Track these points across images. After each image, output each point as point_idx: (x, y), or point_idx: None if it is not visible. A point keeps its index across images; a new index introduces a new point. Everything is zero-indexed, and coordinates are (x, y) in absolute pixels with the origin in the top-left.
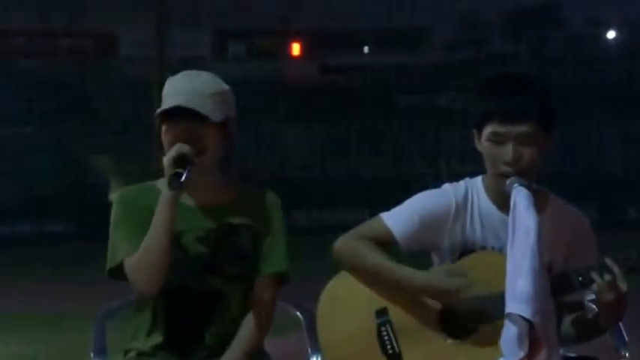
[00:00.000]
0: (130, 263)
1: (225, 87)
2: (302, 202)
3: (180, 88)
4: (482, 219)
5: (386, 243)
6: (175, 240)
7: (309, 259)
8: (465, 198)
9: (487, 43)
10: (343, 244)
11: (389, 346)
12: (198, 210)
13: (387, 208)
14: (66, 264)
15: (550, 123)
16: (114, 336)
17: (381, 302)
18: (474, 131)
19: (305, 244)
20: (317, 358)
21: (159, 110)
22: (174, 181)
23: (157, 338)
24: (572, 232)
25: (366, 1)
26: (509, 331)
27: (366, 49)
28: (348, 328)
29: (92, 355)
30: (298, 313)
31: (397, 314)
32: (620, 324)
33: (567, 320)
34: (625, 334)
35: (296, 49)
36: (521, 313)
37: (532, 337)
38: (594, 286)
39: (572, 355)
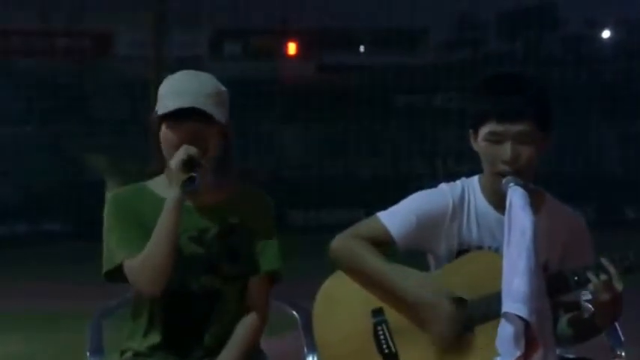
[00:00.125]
0: (133, 265)
1: (223, 88)
2: (299, 201)
3: (183, 89)
4: (479, 219)
5: (383, 243)
6: None
7: (305, 259)
8: (462, 198)
9: (484, 43)
10: (340, 243)
11: (385, 346)
12: (194, 210)
13: (384, 208)
14: (63, 263)
15: (547, 122)
16: (111, 335)
17: (377, 302)
18: (471, 131)
19: (302, 244)
20: (313, 357)
21: (165, 111)
22: (188, 185)
23: (154, 338)
24: (568, 231)
25: (363, 1)
26: (506, 331)
27: (362, 49)
28: (344, 328)
29: (88, 354)
30: (294, 313)
31: (393, 314)
32: (616, 324)
33: (564, 320)
34: (621, 334)
35: (292, 48)
36: (517, 313)
37: (528, 336)
38: (590, 286)
39: (569, 356)
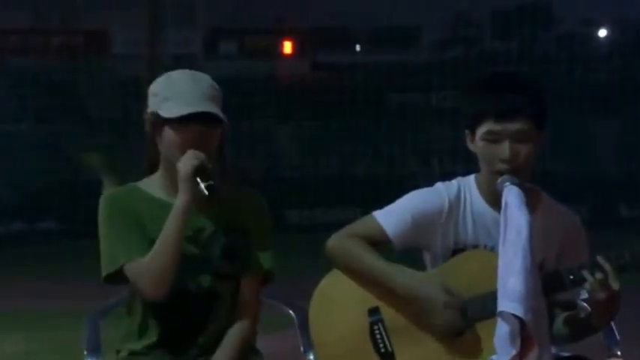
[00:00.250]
0: (136, 268)
1: (217, 86)
2: (294, 200)
3: (187, 90)
4: (475, 218)
5: (379, 242)
6: None
7: (301, 258)
8: (458, 197)
9: (478, 41)
10: (336, 242)
11: (381, 345)
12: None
13: (380, 207)
14: (59, 262)
15: (543, 120)
16: (108, 334)
17: (373, 301)
18: (467, 132)
19: (297, 243)
20: (310, 355)
21: (172, 115)
22: (210, 191)
23: (151, 338)
24: (563, 230)
25: (358, 0)
26: (502, 329)
27: (358, 48)
28: (340, 327)
29: (85, 353)
30: (291, 312)
31: (390, 313)
32: (612, 322)
33: (560, 319)
34: (617, 333)
35: (288, 47)
36: (513, 312)
37: (524, 335)
38: (586, 285)
39: (565, 354)
